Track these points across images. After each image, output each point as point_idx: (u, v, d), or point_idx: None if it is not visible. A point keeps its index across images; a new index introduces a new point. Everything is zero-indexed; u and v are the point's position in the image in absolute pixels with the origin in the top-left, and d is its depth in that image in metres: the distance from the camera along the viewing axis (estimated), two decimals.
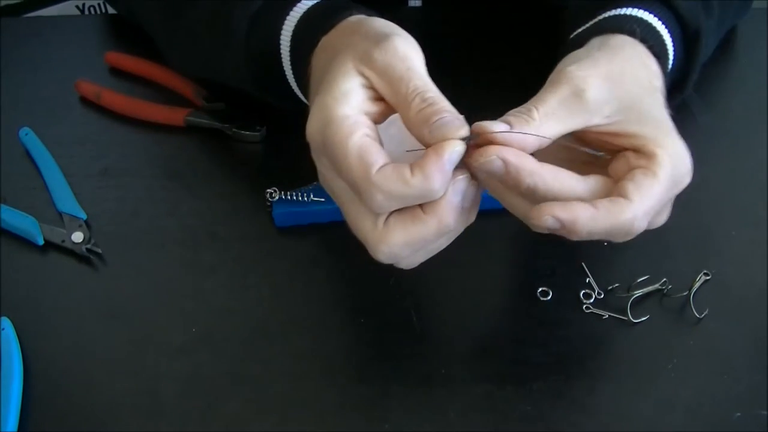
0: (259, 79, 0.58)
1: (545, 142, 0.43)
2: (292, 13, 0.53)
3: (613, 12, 0.52)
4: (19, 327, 0.52)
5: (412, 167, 0.41)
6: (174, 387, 0.50)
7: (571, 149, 0.48)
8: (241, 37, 0.56)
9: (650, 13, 0.52)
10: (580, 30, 0.54)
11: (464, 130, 0.41)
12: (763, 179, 0.61)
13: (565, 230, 0.42)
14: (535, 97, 0.45)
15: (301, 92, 0.54)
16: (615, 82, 0.45)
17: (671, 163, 0.43)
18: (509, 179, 0.42)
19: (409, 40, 0.45)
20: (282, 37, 0.54)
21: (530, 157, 0.42)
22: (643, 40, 0.50)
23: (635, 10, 0.52)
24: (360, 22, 0.48)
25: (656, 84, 0.48)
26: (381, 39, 0.44)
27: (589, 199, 0.42)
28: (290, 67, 0.54)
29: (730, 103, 0.70)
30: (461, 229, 0.45)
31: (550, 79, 0.46)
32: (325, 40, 0.49)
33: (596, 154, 0.46)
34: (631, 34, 0.50)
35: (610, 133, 0.44)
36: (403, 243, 0.42)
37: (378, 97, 0.44)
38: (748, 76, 0.73)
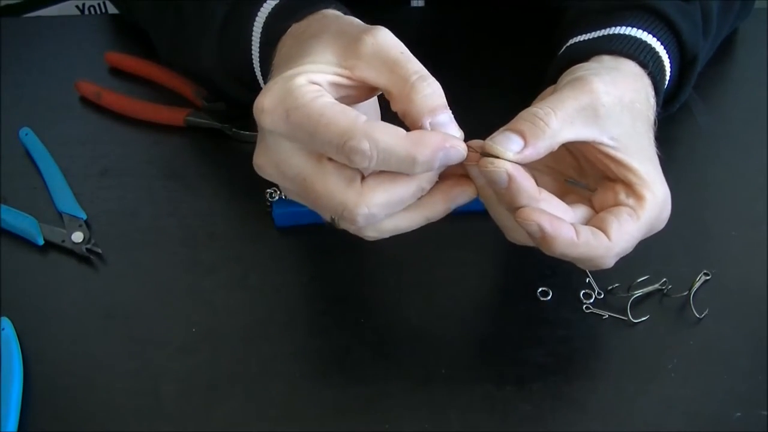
0: (230, 69, 0.57)
1: (554, 148, 0.43)
2: (267, 2, 0.52)
3: (622, 30, 0.52)
4: (19, 327, 0.52)
5: (407, 132, 0.40)
6: (174, 387, 0.50)
7: (555, 172, 0.49)
8: (218, 23, 0.56)
9: (656, 38, 0.52)
10: (584, 37, 0.53)
11: (461, 146, 0.41)
12: (763, 179, 0.61)
13: (543, 242, 0.43)
14: (554, 98, 0.44)
15: (264, 82, 0.53)
16: (626, 108, 0.46)
17: (656, 211, 0.45)
18: (507, 194, 0.42)
19: (393, 34, 0.44)
20: (255, 24, 0.52)
21: (532, 179, 0.42)
22: (651, 74, 0.50)
23: (644, 33, 0.52)
24: (338, 16, 0.48)
25: (652, 119, 0.49)
26: (368, 28, 0.44)
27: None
28: (258, 55, 0.53)
29: (730, 104, 0.70)
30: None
31: (569, 83, 0.46)
32: (296, 27, 0.48)
33: (579, 185, 0.47)
34: (643, 66, 0.50)
35: (613, 159, 0.45)
36: (384, 203, 0.42)
37: (346, 85, 0.43)
38: (748, 76, 0.73)
